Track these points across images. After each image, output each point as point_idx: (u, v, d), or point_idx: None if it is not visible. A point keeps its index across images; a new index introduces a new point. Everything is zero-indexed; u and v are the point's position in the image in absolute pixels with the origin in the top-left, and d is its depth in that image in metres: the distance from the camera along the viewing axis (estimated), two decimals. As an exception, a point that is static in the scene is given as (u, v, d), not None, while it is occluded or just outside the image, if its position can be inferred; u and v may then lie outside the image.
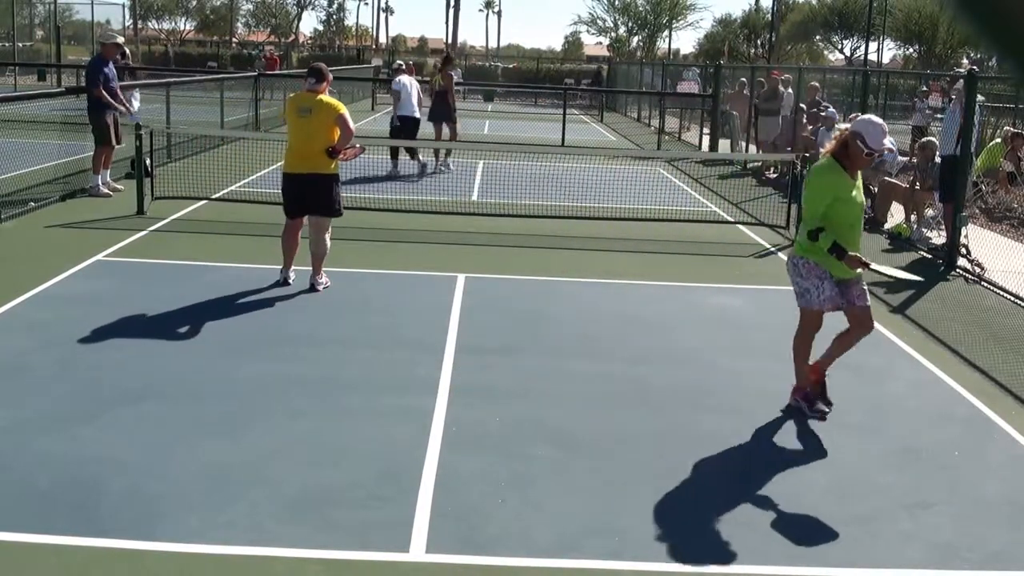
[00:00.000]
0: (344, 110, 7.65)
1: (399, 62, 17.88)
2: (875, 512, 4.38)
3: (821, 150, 13.95)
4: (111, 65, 11.83)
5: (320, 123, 7.53)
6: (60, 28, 36.73)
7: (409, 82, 15.08)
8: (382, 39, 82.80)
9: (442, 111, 15.82)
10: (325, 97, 7.68)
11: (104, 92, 11.49)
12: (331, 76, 8.16)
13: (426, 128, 15.57)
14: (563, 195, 13.03)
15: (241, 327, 6.78)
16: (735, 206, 13.33)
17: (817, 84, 16.92)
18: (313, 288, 7.71)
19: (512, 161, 16.83)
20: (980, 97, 12.63)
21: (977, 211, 12.44)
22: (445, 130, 16.03)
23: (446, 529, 4.01)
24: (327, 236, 7.78)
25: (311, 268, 7.77)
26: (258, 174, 13.30)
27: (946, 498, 4.58)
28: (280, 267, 7.93)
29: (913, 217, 11.51)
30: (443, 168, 15.38)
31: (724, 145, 19.68)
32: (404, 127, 14.81)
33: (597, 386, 5.88)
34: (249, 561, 3.71)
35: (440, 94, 15.81)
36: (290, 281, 7.85)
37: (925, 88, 21.52)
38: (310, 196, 7.67)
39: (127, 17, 50.85)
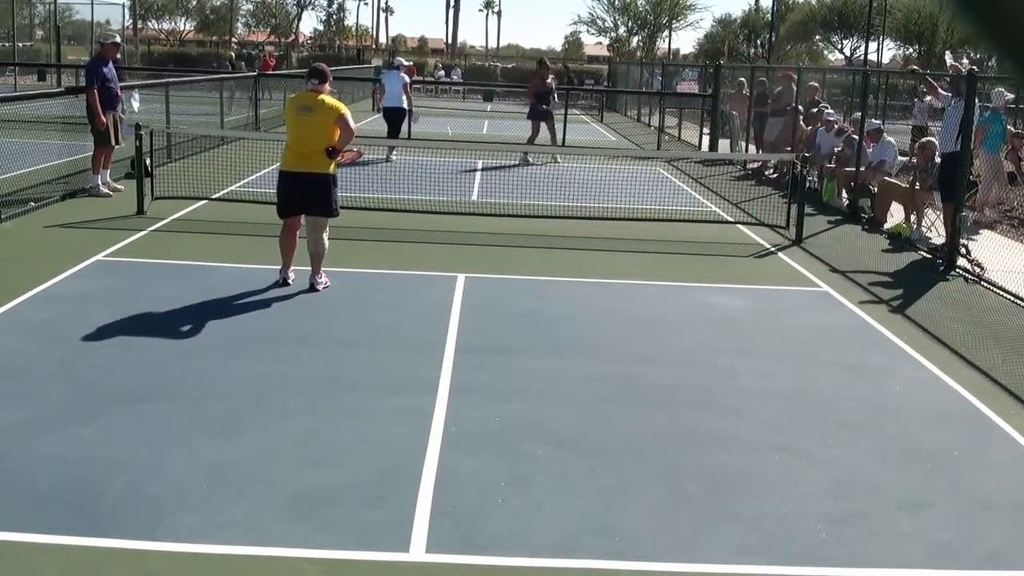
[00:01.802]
0: (346, 111, 7.64)
1: (396, 60, 19.55)
2: (875, 512, 4.38)
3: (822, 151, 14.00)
4: (110, 65, 11.80)
5: (321, 122, 7.52)
6: (60, 28, 36.69)
7: (397, 76, 16.82)
8: (382, 39, 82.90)
9: (538, 111, 17.54)
10: (327, 97, 7.67)
11: (96, 95, 11.43)
12: (331, 76, 8.17)
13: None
14: (563, 195, 13.03)
15: (241, 327, 6.78)
16: (735, 206, 13.33)
17: (816, 84, 16.92)
18: (313, 288, 7.71)
19: (512, 161, 16.84)
20: (1008, 95, 12.56)
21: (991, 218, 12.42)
22: (543, 131, 17.51)
23: (446, 529, 4.01)
24: (325, 236, 7.75)
25: (310, 268, 7.77)
26: (258, 174, 13.29)
27: (946, 498, 4.58)
28: (279, 267, 7.93)
29: (913, 217, 11.51)
30: (524, 162, 16.70)
31: (724, 145, 19.68)
32: (388, 117, 16.76)
33: (597, 386, 5.88)
34: (249, 561, 3.71)
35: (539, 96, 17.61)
36: (290, 281, 7.83)
37: (925, 89, 21.47)
38: (308, 196, 7.63)
39: (127, 17, 50.83)
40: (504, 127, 25.34)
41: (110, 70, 11.73)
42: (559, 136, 18.44)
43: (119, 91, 12.05)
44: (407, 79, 17.04)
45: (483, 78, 47.82)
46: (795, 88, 16.43)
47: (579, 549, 3.91)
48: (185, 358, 6.03)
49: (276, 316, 7.10)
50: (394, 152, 16.35)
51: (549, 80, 18.01)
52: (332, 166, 7.63)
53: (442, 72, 45.89)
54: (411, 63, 43.03)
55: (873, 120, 13.88)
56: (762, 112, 17.40)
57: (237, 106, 20.09)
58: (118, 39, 12.50)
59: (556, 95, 18.52)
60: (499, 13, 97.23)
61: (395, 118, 16.71)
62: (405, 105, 16.73)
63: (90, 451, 4.59)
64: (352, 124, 7.60)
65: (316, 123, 7.52)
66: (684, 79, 27.27)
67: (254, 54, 40.74)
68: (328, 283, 7.82)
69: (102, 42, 12.63)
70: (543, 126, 17.47)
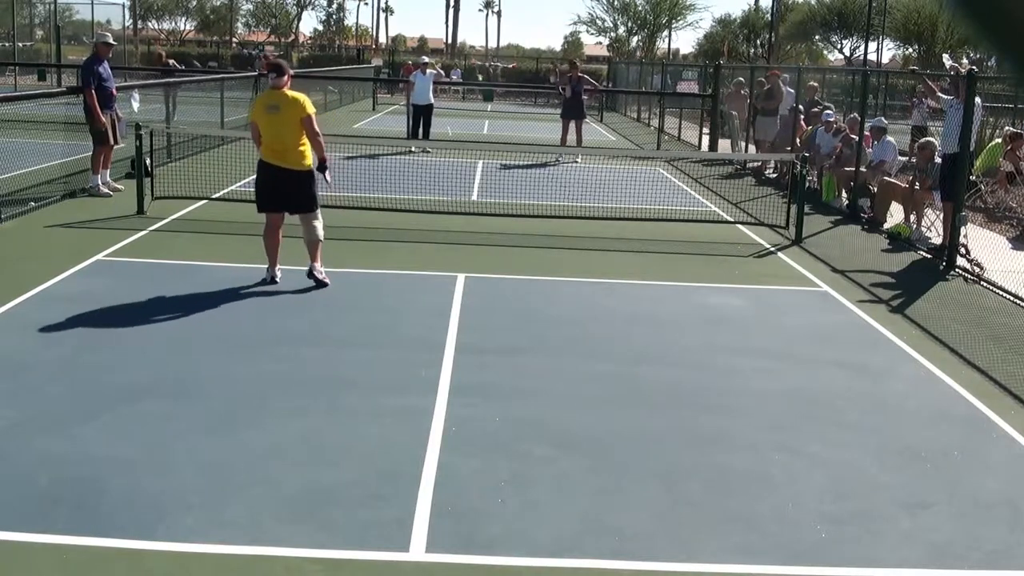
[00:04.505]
0: (311, 110, 7.68)
1: (422, 59, 21.41)
2: (875, 512, 4.38)
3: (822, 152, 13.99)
4: (105, 65, 11.79)
5: (289, 118, 7.56)
6: (60, 28, 36.68)
7: (427, 75, 18.70)
8: (382, 39, 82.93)
9: (566, 110, 18.79)
10: (291, 93, 7.71)
11: (93, 95, 11.42)
12: (291, 72, 8.16)
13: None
14: (563, 195, 13.03)
15: (241, 327, 6.78)
16: (735, 206, 13.33)
17: (815, 84, 16.91)
18: (312, 275, 7.72)
19: (512, 161, 16.83)
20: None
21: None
22: (573, 130, 18.59)
23: (446, 529, 4.01)
24: (319, 224, 7.81)
25: (308, 258, 7.78)
26: (258, 174, 13.27)
27: (945, 498, 4.58)
28: (266, 266, 7.90)
29: (912, 217, 11.51)
30: (574, 161, 17.42)
31: (724, 145, 19.68)
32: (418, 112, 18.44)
33: (597, 386, 5.88)
34: (249, 561, 3.72)
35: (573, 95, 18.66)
36: (277, 280, 7.83)
37: (923, 90, 21.48)
38: (288, 193, 7.68)
39: (127, 17, 50.78)
40: (504, 127, 25.33)
41: (105, 69, 11.72)
42: (569, 139, 18.69)
43: (115, 91, 12.05)
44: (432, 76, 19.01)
45: (482, 78, 47.79)
46: (784, 87, 16.42)
47: (579, 549, 3.91)
48: (185, 357, 6.03)
49: (276, 316, 7.10)
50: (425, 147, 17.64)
51: (576, 77, 18.87)
52: (308, 160, 7.68)
53: (441, 72, 45.88)
54: (410, 62, 43.32)
55: (883, 119, 13.82)
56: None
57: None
58: (109, 38, 12.38)
59: (583, 92, 19.06)
60: (499, 13, 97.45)
61: (427, 114, 18.49)
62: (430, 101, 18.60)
63: (90, 450, 4.59)
64: (318, 129, 7.66)
65: (285, 120, 7.57)
66: (684, 79, 27.28)
67: (255, 54, 40.70)
68: (327, 278, 7.82)
69: (96, 42, 12.58)
70: (572, 125, 18.54)
